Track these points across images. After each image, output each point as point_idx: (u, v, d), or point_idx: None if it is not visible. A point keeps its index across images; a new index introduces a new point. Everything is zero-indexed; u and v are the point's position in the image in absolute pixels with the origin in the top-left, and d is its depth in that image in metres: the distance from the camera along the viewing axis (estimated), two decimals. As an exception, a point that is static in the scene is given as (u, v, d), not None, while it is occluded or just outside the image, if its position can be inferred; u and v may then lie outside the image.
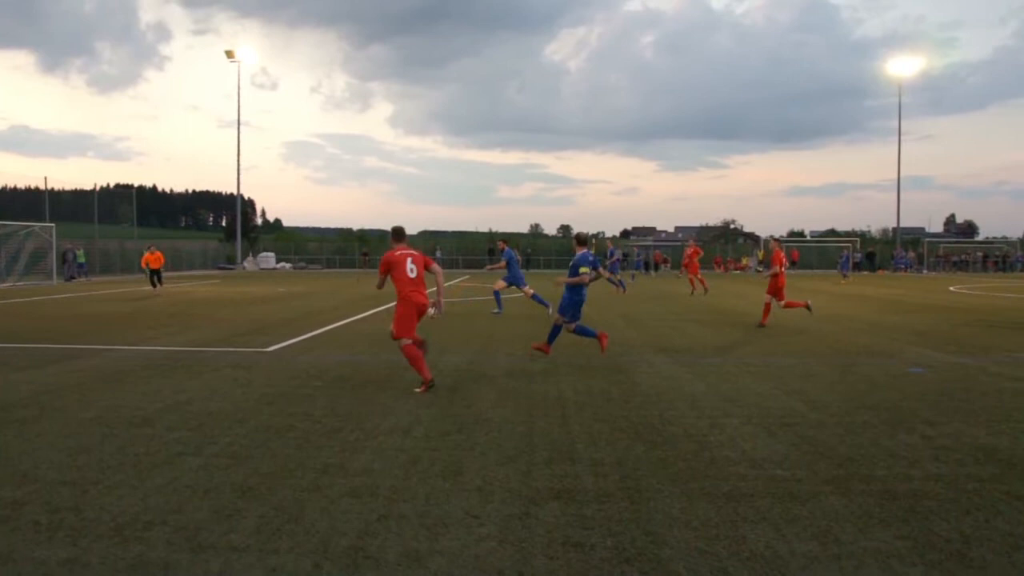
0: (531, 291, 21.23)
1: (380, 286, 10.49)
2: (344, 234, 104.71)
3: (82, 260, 47.84)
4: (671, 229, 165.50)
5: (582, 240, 13.09)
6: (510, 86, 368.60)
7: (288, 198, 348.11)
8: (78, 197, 62.80)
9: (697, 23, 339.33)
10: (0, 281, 38.93)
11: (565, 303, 12.95)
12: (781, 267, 18.37)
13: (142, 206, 70.13)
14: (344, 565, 4.58)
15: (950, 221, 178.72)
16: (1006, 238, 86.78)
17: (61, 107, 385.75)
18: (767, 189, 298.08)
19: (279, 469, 6.49)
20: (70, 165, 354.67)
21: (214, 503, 5.62)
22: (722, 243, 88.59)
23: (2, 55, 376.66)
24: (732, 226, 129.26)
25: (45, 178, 48.69)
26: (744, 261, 74.29)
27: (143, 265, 32.86)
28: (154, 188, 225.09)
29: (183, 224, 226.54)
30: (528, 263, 72.64)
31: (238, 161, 77.08)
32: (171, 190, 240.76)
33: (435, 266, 10.41)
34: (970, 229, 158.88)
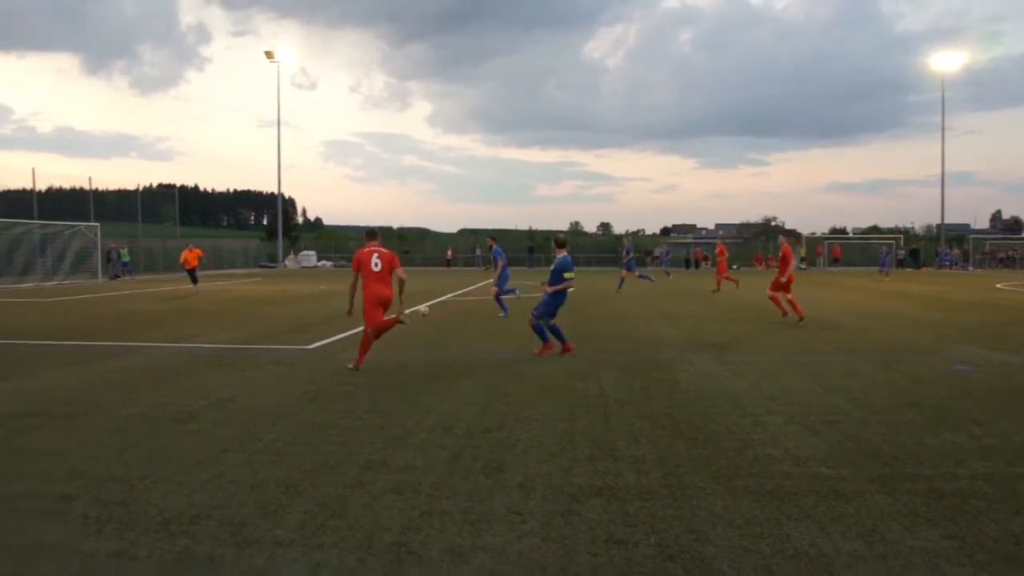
0: (496, 292, 20.96)
1: (353, 286, 11.32)
2: (384, 232, 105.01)
3: (126, 259, 48.39)
4: (711, 226, 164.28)
5: (561, 243, 13.13)
6: (548, 84, 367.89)
7: (328, 197, 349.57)
8: (122, 197, 63.46)
9: (736, 19, 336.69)
10: (47, 279, 39.48)
11: (545, 302, 12.98)
12: (788, 264, 18.48)
13: (184, 205, 70.90)
14: (387, 561, 4.60)
15: (996, 217, 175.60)
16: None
17: (104, 108, 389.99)
18: (808, 186, 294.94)
19: (322, 465, 6.54)
20: (114, 166, 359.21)
21: (259, 498, 5.68)
22: (763, 240, 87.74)
23: (47, 58, 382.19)
24: (773, 223, 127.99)
25: (89, 178, 49.21)
26: (785, 258, 73.64)
27: (181, 262, 33.12)
28: (196, 188, 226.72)
29: (225, 223, 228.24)
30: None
31: (278, 160, 77.84)
32: (212, 190, 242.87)
33: (400, 271, 11.39)
34: (1017, 225, 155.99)
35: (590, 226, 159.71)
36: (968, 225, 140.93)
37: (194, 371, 11.53)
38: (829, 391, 9.84)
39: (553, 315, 13.01)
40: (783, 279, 18.29)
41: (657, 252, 65.44)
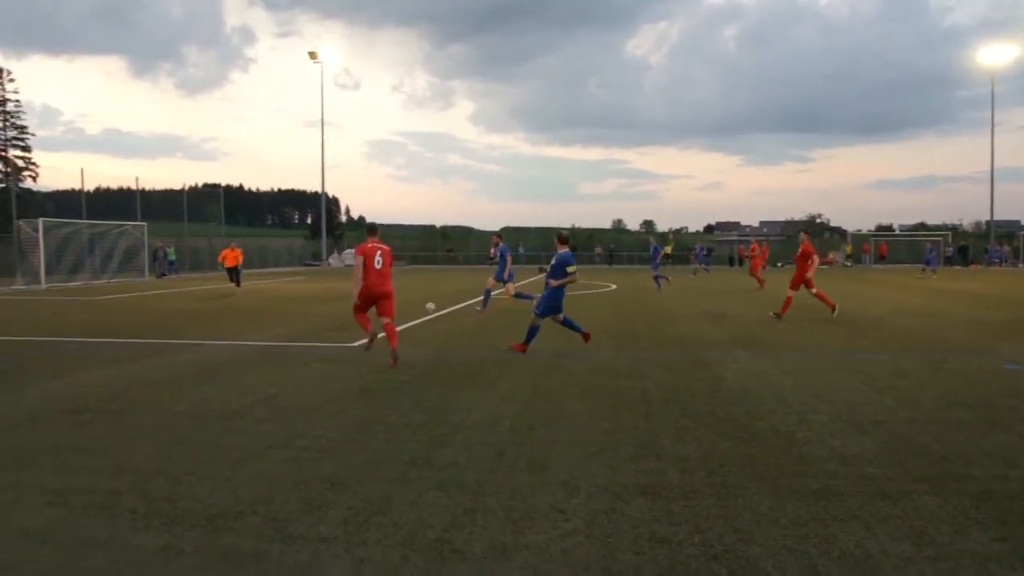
0: (492, 286, 21.00)
1: (359, 279, 11.90)
2: (428, 231, 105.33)
3: (172, 258, 49.00)
4: (755, 223, 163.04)
5: (564, 239, 13.12)
6: (591, 82, 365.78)
7: (372, 196, 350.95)
8: (168, 197, 64.21)
9: (780, 15, 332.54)
10: (95, 278, 40.09)
11: (546, 298, 12.99)
12: (810, 260, 18.40)
13: (229, 205, 71.49)
14: (431, 557, 4.61)
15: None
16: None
17: (151, 110, 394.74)
18: (853, 182, 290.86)
19: (367, 462, 6.58)
20: (160, 166, 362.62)
21: (303, 495, 5.72)
22: (808, 238, 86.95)
23: (95, 61, 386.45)
24: (818, 220, 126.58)
25: (136, 178, 50.08)
26: (831, 256, 72.81)
27: (220, 260, 33.13)
28: (240, 187, 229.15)
29: (269, 222, 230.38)
30: (611, 259, 72.32)
31: (322, 160, 78.76)
32: (257, 189, 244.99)
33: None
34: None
35: (633, 224, 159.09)
36: (1019, 222, 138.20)
37: (239, 368, 11.65)
38: (876, 390, 9.73)
39: (558, 310, 13.04)
40: (809, 275, 18.32)
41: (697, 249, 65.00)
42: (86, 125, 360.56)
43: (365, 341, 12.78)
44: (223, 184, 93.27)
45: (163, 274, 46.34)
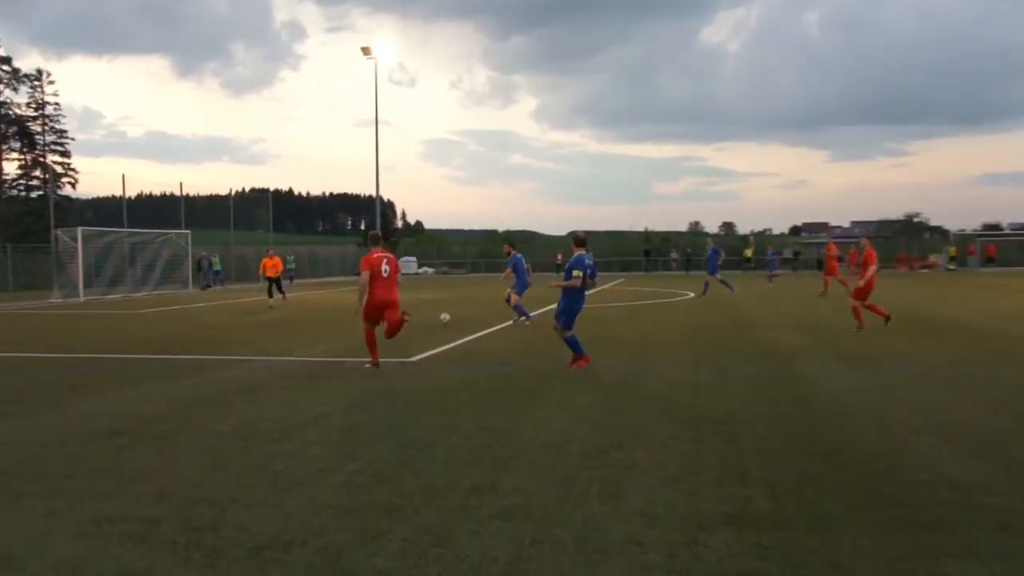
0: (516, 302, 20.78)
1: (363, 290, 12.71)
2: (489, 235, 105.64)
3: (218, 268, 49.87)
4: (846, 224, 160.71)
5: (580, 241, 12.98)
6: (662, 74, 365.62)
7: (428, 199, 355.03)
8: (213, 203, 65.43)
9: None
10: (136, 290, 40.91)
11: (561, 309, 12.87)
12: (868, 268, 17.90)
13: (278, 211, 72.72)
14: (496, 594, 4.56)
15: None
16: None
17: (196, 111, 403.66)
18: (956, 177, 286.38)
19: (425, 488, 6.54)
20: (205, 170, 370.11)
21: (357, 524, 5.70)
22: (906, 239, 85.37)
23: (138, 61, 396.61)
24: (916, 220, 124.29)
25: (180, 184, 50.67)
26: (932, 259, 71.48)
27: (260, 272, 32.75)
28: (290, 191, 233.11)
29: (320, 229, 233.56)
30: (688, 264, 71.75)
31: (376, 162, 79.20)
32: (307, 193, 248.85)
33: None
34: None
35: (711, 226, 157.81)
36: None
37: (288, 386, 11.73)
38: (992, 408, 9.48)
39: (571, 323, 12.94)
40: (861, 283, 17.90)
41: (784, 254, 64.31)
42: (128, 128, 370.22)
43: (369, 364, 13.11)
44: (271, 189, 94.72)
45: (207, 285, 47.12)
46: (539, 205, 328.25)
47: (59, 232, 40.08)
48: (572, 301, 12.84)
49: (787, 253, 73.07)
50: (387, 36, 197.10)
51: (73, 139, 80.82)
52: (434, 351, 15.31)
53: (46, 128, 76.98)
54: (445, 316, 15.40)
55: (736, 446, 7.82)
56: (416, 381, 11.99)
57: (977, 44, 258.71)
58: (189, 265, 45.52)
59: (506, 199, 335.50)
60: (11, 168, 76.76)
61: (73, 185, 76.97)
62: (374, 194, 79.93)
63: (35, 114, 76.78)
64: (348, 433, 8.59)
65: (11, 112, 75.84)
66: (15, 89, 75.57)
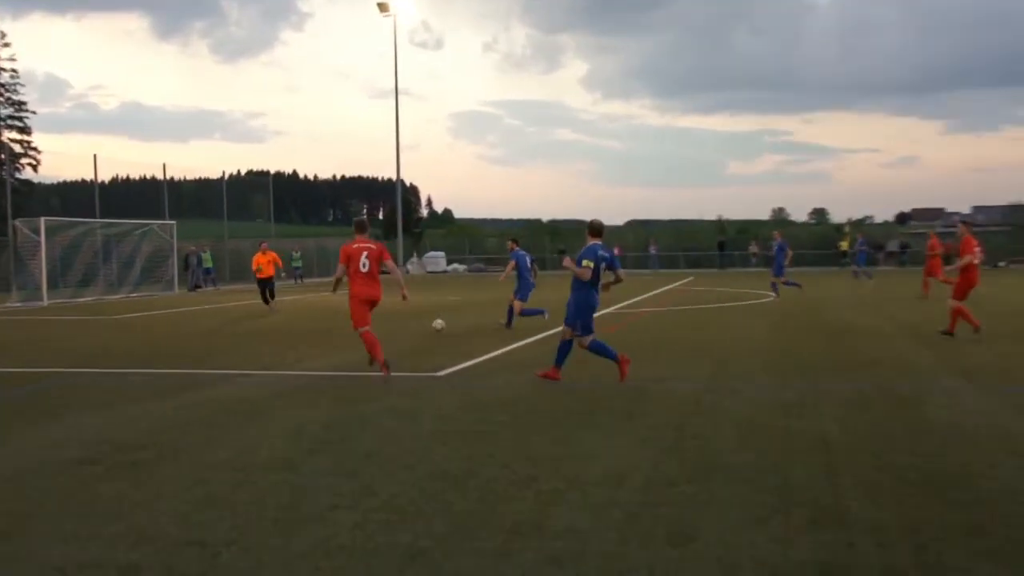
0: (522, 306, 21.01)
1: (338, 279, 13.93)
2: (532, 226, 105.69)
3: (208, 264, 50.10)
4: (966, 210, 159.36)
5: (595, 230, 13.09)
6: (738, 30, 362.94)
7: (459, 183, 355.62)
8: (203, 187, 65.94)
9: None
10: (111, 292, 41.11)
11: (571, 310, 12.91)
12: (974, 258, 17.78)
13: (279, 197, 72.97)
14: (544, 657, 4.53)
15: None
16: None
17: (181, 80, 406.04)
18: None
19: (456, 528, 6.53)
20: (193, 149, 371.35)
21: (375, 571, 5.70)
22: (968, 230, 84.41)
23: (110, 20, 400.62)
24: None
25: (164, 165, 51.01)
26: (1076, 253, 70.63)
27: (254, 270, 30.82)
28: (294, 174, 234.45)
29: (330, 218, 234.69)
30: (771, 260, 71.30)
31: (397, 139, 78.60)
32: (315, 176, 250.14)
33: (389, 263, 14.26)
34: None
35: (800, 213, 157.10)
36: None
37: (293, 405, 11.78)
38: None
39: (590, 326, 13.03)
40: (955, 278, 17.71)
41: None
42: (100, 99, 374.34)
43: (380, 372, 13.72)
44: (272, 171, 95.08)
45: (197, 286, 47.42)
46: (592, 189, 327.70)
47: (17, 223, 40.07)
48: (584, 298, 12.86)
49: (892, 246, 72.29)
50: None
51: (34, 112, 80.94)
52: (467, 363, 15.33)
53: (1, 100, 77.76)
54: (439, 323, 15.45)
55: (833, 479, 7.78)
56: (446, 399, 12.01)
57: None
58: (174, 262, 45.67)
59: (552, 182, 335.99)
60: (-42, 147, 77.62)
61: (34, 167, 77.57)
62: (394, 177, 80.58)
63: (-14, 83, 77.53)
64: (364, 461, 8.61)
65: (-43, 81, 76.62)
66: (-39, 53, 76.39)
